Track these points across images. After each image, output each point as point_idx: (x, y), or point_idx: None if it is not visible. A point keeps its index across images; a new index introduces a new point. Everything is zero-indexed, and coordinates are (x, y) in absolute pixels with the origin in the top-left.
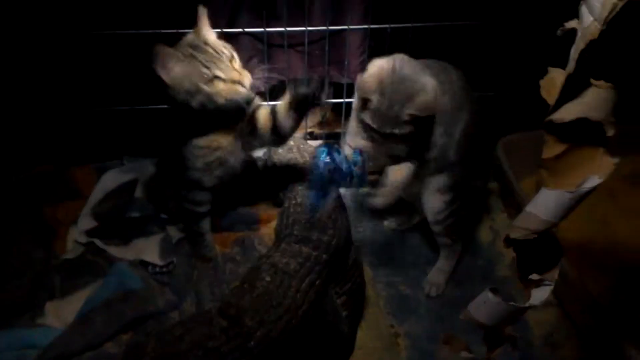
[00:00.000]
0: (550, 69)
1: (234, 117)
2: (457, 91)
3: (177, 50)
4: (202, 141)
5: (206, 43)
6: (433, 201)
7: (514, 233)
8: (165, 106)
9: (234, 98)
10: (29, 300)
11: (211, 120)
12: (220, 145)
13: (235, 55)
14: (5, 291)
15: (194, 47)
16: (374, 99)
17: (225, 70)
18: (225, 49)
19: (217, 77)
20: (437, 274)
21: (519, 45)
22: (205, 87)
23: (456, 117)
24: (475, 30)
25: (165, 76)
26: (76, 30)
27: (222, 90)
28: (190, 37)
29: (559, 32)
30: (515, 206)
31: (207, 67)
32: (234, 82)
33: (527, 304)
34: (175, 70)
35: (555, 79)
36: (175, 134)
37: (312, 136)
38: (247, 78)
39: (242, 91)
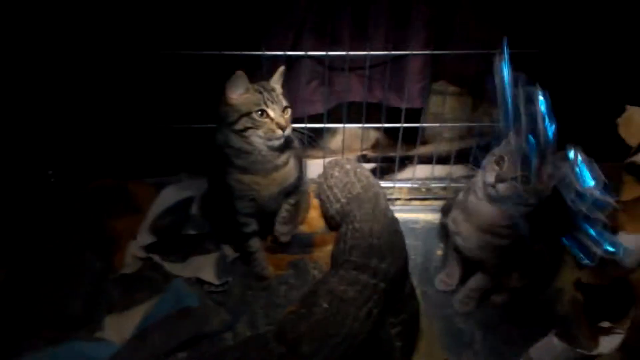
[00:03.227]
0: (629, 107)
1: (266, 162)
2: None
3: (250, 83)
4: (243, 177)
5: (273, 90)
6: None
7: (587, 277)
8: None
9: (270, 136)
10: (88, 312)
11: (249, 160)
12: (257, 184)
13: (289, 110)
14: (65, 303)
15: (263, 86)
16: None
17: (277, 113)
18: (285, 101)
19: (267, 114)
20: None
21: (583, 75)
22: (255, 115)
23: None
24: (539, 57)
25: (232, 94)
26: (138, 50)
27: (265, 123)
28: (264, 82)
29: None
30: None
31: (265, 103)
32: (277, 125)
33: (595, 352)
34: (241, 93)
35: (635, 118)
36: (221, 164)
37: (365, 159)
38: (288, 129)
39: (279, 134)
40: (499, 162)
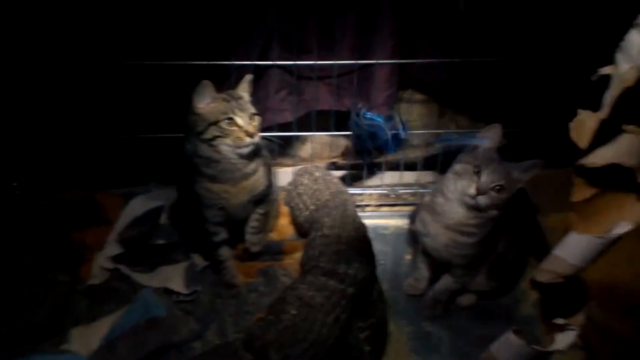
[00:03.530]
0: (580, 111)
1: (235, 170)
2: None
3: (217, 92)
4: (212, 186)
5: (240, 98)
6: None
7: (541, 276)
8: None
9: (238, 144)
10: (54, 325)
11: (218, 168)
12: (227, 192)
13: (258, 118)
14: (30, 315)
15: (230, 95)
16: None
17: (244, 120)
18: (253, 109)
19: (235, 122)
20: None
21: (543, 82)
22: (223, 124)
23: None
24: (501, 65)
25: (199, 104)
26: (107, 60)
27: (233, 132)
28: (231, 90)
29: (593, 77)
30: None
31: (232, 111)
32: (246, 132)
33: (551, 348)
34: (208, 102)
35: (586, 122)
36: (190, 173)
37: (336, 167)
38: (257, 136)
39: (246, 141)
40: (477, 172)
